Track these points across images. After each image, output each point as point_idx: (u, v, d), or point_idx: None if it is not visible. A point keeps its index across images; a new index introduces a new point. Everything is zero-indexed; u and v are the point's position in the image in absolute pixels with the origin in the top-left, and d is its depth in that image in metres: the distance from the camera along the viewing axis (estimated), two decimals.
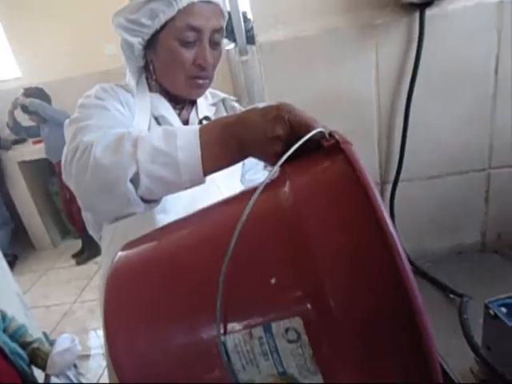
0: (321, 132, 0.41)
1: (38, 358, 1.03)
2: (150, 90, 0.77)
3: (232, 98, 0.88)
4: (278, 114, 0.44)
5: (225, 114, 0.84)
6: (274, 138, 0.44)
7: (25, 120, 2.79)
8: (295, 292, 0.34)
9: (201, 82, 0.73)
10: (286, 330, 0.34)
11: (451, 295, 0.65)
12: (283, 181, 0.40)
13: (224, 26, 0.73)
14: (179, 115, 0.79)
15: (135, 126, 0.72)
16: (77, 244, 2.94)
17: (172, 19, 0.67)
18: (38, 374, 1.06)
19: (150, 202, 0.55)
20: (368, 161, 0.78)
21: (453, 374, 0.51)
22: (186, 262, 0.39)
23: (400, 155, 0.74)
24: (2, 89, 3.20)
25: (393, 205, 0.77)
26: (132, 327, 0.38)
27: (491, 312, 0.44)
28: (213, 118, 0.81)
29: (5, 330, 1.01)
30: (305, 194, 0.37)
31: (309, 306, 0.33)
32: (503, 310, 0.44)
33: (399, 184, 0.75)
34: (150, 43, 0.71)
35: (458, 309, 0.59)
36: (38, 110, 2.53)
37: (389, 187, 0.78)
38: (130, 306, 0.39)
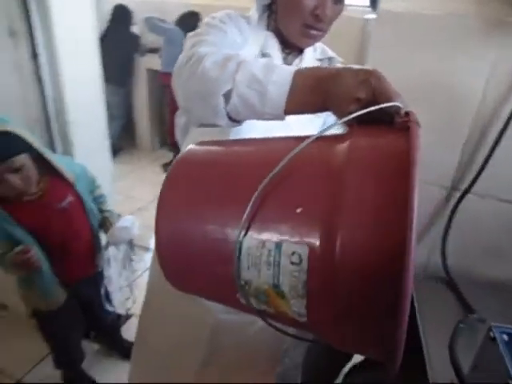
0: (397, 107, 0.42)
1: (105, 224, 1.23)
2: (268, 28, 0.81)
3: (340, 59, 0.88)
4: (367, 78, 0.45)
5: None
6: (354, 99, 0.46)
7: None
8: (312, 226, 0.38)
9: (314, 32, 0.74)
10: (293, 253, 0.38)
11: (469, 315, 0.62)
12: (346, 137, 0.43)
13: None
14: (284, 59, 0.82)
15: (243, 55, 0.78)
16: (169, 156, 3.26)
17: None
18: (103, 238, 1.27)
19: (234, 121, 0.62)
20: (446, 161, 0.75)
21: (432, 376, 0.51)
22: (237, 169, 0.45)
23: (482, 166, 0.69)
24: None
25: (453, 214, 0.73)
26: (177, 203, 0.46)
27: (491, 334, 0.43)
28: None
29: (91, 192, 1.21)
30: (358, 153, 0.40)
31: (318, 241, 0.37)
32: (504, 336, 0.42)
33: (469, 196, 0.71)
34: None
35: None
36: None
37: (457, 195, 0.73)
38: (181, 187, 0.46)
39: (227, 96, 0.58)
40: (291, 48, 0.81)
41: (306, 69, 0.57)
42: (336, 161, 0.40)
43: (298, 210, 0.39)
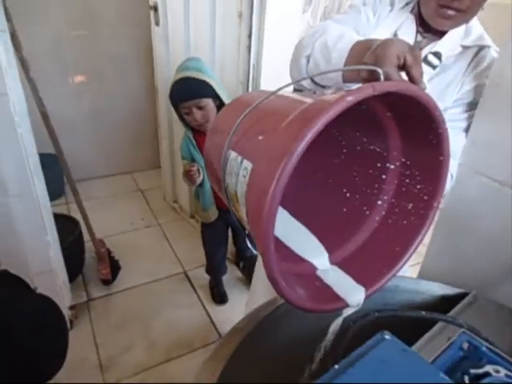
0: (377, 72, 0.46)
1: None
2: (412, 11, 0.84)
3: (496, 48, 0.79)
4: (404, 51, 0.48)
5: (464, 64, 0.81)
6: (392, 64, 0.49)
7: None
8: (259, 149, 0.50)
9: (451, 13, 0.73)
10: (245, 168, 0.51)
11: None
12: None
13: None
14: (419, 42, 0.83)
15: (374, 34, 0.84)
16: None
17: None
18: None
19: (317, 84, 0.74)
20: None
21: None
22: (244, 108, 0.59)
23: None
24: None
25: None
26: (215, 125, 0.64)
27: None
28: (451, 58, 0.80)
29: None
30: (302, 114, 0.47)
31: (255, 164, 0.49)
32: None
33: None
34: None
35: None
36: None
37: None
38: (220, 116, 0.65)
39: (308, 59, 0.72)
40: (432, 31, 0.81)
41: (366, 39, 0.62)
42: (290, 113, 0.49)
43: (260, 138, 0.51)
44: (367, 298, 0.47)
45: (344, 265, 0.54)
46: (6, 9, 1.09)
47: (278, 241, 0.60)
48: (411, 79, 0.48)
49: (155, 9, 1.92)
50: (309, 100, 0.46)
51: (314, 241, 0.58)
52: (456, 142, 0.78)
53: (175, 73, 1.36)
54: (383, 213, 0.56)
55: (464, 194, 0.78)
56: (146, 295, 1.78)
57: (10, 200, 1.21)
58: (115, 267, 1.85)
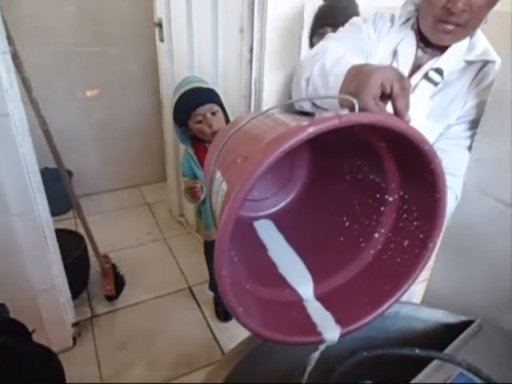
0: (350, 102, 0.44)
1: None
2: (412, 27, 0.82)
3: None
4: (390, 81, 0.46)
5: (468, 80, 0.78)
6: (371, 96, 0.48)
7: None
8: (235, 172, 0.47)
9: (449, 27, 0.71)
10: (223, 189, 0.49)
11: None
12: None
13: None
14: (420, 58, 0.80)
15: (374, 52, 0.83)
16: None
17: None
18: None
19: (318, 107, 0.72)
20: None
21: None
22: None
23: None
24: None
25: None
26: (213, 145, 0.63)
27: None
28: (454, 74, 0.78)
29: None
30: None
31: (229, 187, 0.46)
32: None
33: None
34: None
35: None
36: None
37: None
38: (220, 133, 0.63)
39: (307, 81, 0.70)
40: (432, 47, 0.79)
41: (360, 64, 0.60)
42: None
43: (238, 160, 0.49)
44: (343, 336, 0.45)
45: (329, 297, 0.51)
46: (7, 31, 1.11)
47: (259, 264, 0.58)
48: (395, 110, 0.45)
49: (160, 25, 1.94)
50: (285, 126, 0.45)
51: (302, 268, 0.55)
52: (460, 160, 0.75)
53: (175, 92, 1.34)
54: (379, 247, 0.54)
55: (469, 213, 0.75)
56: (150, 311, 1.76)
57: (11, 218, 1.21)
58: (120, 283, 1.84)
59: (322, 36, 1.37)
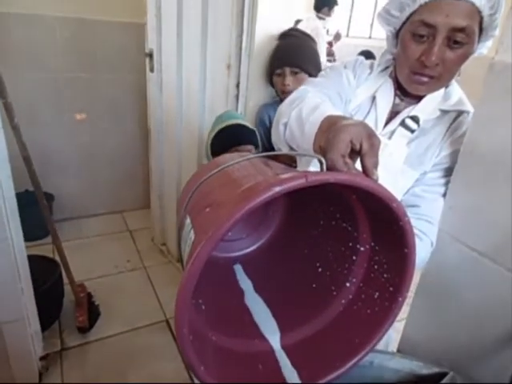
0: (320, 160, 0.44)
1: None
2: (391, 75, 0.84)
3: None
4: (360, 139, 0.46)
5: (443, 129, 0.80)
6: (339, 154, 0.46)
7: None
8: (202, 222, 0.47)
9: (424, 79, 0.73)
10: (190, 238, 0.48)
11: None
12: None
13: (476, 27, 0.67)
14: (397, 105, 0.82)
15: (353, 98, 0.84)
16: None
17: (413, 13, 0.70)
18: None
19: (292, 149, 0.73)
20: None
21: None
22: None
23: None
24: None
25: None
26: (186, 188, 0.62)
27: None
28: (430, 122, 0.80)
29: None
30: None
31: (197, 236, 0.45)
32: None
33: None
34: (399, 34, 0.77)
35: None
36: None
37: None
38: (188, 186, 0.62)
39: (285, 126, 0.71)
40: (409, 95, 0.81)
41: (335, 116, 0.60)
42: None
43: (207, 210, 0.48)
44: None
45: (297, 348, 0.50)
46: None
47: (230, 311, 0.56)
48: (363, 168, 0.45)
49: (150, 56, 1.97)
50: (257, 177, 0.44)
51: (269, 317, 0.54)
52: (435, 207, 0.76)
53: (212, 129, 1.33)
54: (350, 296, 0.53)
55: (443, 261, 0.74)
56: (123, 345, 1.69)
57: None
58: (94, 313, 1.77)
59: (280, 76, 1.39)
